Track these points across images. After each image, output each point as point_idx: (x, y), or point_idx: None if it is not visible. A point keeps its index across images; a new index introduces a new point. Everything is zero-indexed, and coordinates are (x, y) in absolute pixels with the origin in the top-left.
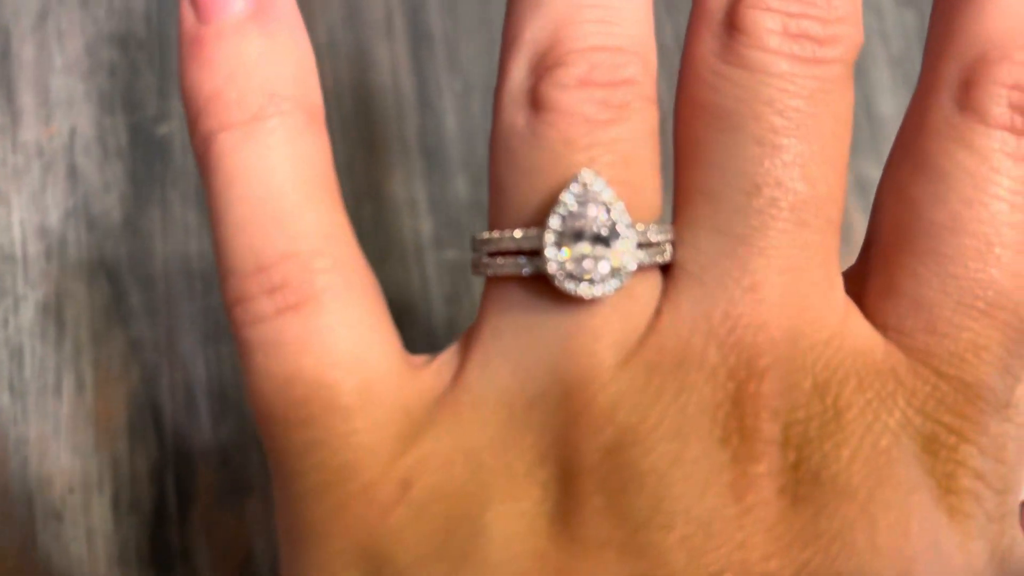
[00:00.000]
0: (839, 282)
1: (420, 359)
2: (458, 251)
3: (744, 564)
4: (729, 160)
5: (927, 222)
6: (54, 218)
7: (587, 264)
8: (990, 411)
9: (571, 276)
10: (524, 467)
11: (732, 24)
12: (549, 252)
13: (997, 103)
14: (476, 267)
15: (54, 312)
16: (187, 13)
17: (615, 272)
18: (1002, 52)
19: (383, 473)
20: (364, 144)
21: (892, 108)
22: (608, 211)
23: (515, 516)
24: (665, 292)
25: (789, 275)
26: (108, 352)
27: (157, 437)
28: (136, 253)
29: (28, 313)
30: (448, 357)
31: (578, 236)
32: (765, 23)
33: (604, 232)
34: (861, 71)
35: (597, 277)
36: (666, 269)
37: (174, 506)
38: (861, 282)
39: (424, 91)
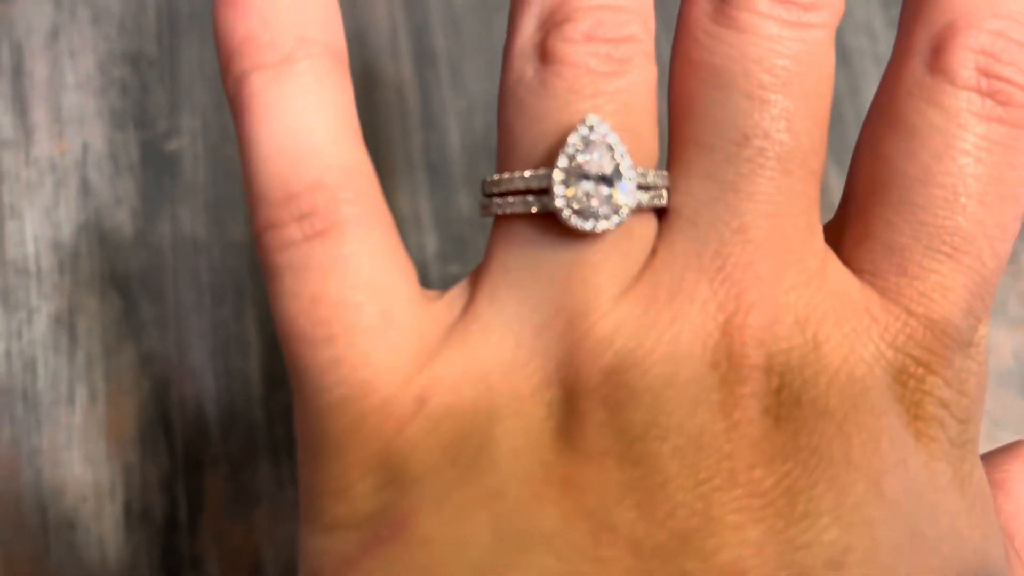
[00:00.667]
0: (819, 229)
1: (434, 293)
2: (461, 266)
3: (731, 473)
4: (720, 113)
5: (900, 175)
6: (67, 232)
7: (592, 202)
8: (954, 347)
9: (576, 212)
10: (529, 388)
11: None
12: (557, 190)
13: (965, 66)
14: (486, 208)
15: (67, 325)
16: None
17: (617, 209)
18: (970, 21)
19: (399, 390)
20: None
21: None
22: (612, 153)
23: (521, 431)
24: (661, 233)
25: (774, 219)
26: (120, 364)
27: (168, 448)
28: (147, 267)
29: (41, 325)
30: (459, 291)
31: (583, 176)
32: None
33: (608, 172)
34: (855, 90)
35: (600, 213)
36: (662, 213)
37: (184, 515)
38: (839, 233)
39: (428, 109)
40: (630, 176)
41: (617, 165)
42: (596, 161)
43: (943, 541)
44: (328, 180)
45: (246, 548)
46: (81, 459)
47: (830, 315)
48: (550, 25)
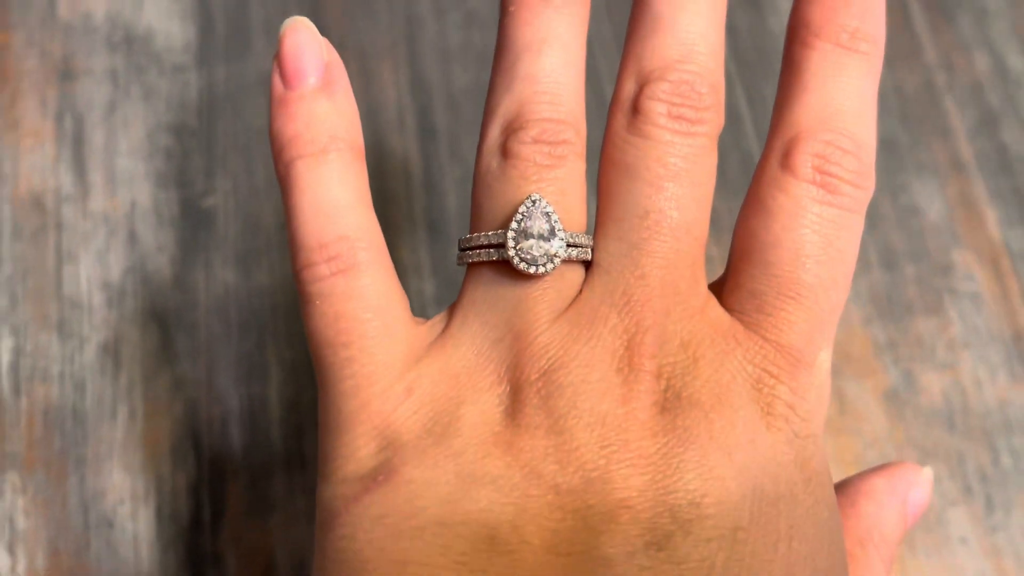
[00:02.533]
0: (702, 280)
1: (421, 319)
2: None
3: (625, 442)
4: (629, 196)
5: (759, 241)
6: (115, 274)
7: (534, 252)
8: (798, 366)
9: (523, 260)
10: (487, 384)
11: (635, 109)
12: (510, 244)
13: (804, 165)
14: (460, 259)
15: (112, 352)
16: (277, 82)
17: (552, 259)
18: (808, 133)
19: (394, 382)
20: (379, 219)
21: None
22: (549, 219)
23: (479, 412)
24: (586, 279)
25: (666, 271)
26: (157, 387)
27: (196, 460)
28: (182, 305)
29: (91, 353)
30: (439, 318)
31: (528, 235)
32: (656, 108)
33: (545, 232)
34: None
35: (540, 262)
36: (588, 266)
37: (208, 518)
38: (719, 289)
39: (429, 176)
40: (561, 236)
41: (552, 227)
42: (537, 224)
43: (780, 499)
44: (349, 234)
45: (262, 549)
46: (120, 468)
47: (706, 340)
48: (509, 131)
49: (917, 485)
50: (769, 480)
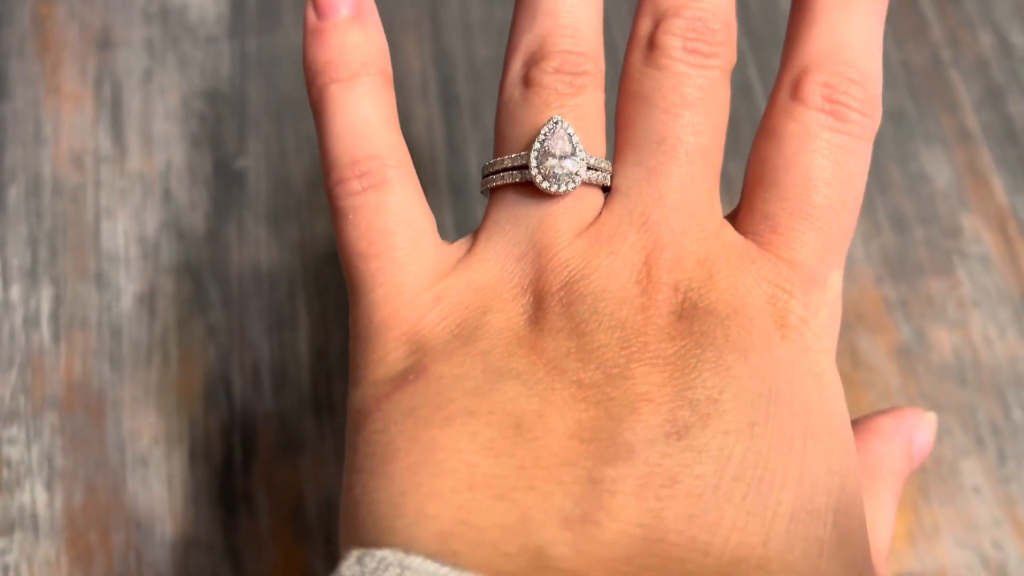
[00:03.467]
0: (718, 205)
1: (446, 242)
2: None
3: (645, 344)
4: (646, 123)
5: (771, 167)
6: (151, 229)
7: (556, 171)
8: (810, 282)
9: (545, 178)
10: (511, 294)
11: (651, 44)
12: (532, 163)
13: (814, 94)
14: (484, 185)
15: (148, 302)
16: (311, 13)
17: (572, 177)
18: (817, 64)
19: (423, 291)
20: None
21: None
22: (570, 140)
23: (504, 319)
24: (606, 203)
25: (683, 193)
26: (190, 335)
27: (227, 404)
28: (215, 258)
29: (128, 302)
30: (464, 240)
31: (550, 154)
32: (671, 42)
33: (567, 152)
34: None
35: (561, 180)
36: (607, 191)
37: (239, 459)
38: (734, 214)
39: (452, 142)
40: (582, 156)
41: (574, 147)
42: (559, 144)
43: (795, 401)
44: (379, 152)
45: (291, 488)
46: (155, 410)
47: (721, 259)
48: (532, 62)
49: (921, 428)
50: (784, 384)
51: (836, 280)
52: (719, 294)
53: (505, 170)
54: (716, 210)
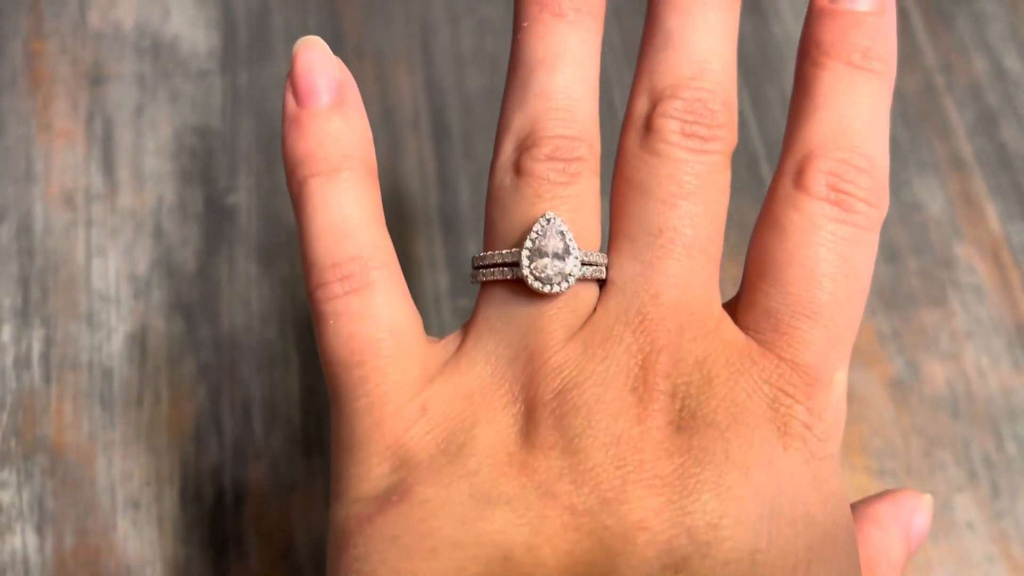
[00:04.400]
0: (717, 299)
1: (434, 339)
2: (469, 300)
3: (641, 462)
4: (642, 213)
5: (773, 259)
6: (142, 267)
7: (549, 271)
8: (815, 385)
9: (538, 279)
10: (501, 403)
11: (647, 127)
12: (524, 263)
13: (818, 183)
14: (474, 277)
15: (139, 341)
16: (289, 100)
17: (566, 278)
18: (820, 150)
19: (408, 401)
20: (396, 215)
21: None
22: (563, 238)
23: (494, 432)
24: (600, 298)
25: (680, 289)
26: (181, 374)
27: (218, 443)
28: (206, 296)
29: (118, 342)
30: (453, 337)
31: (543, 254)
32: (669, 126)
33: (560, 251)
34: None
35: (554, 281)
36: (602, 285)
37: (230, 500)
38: (733, 307)
39: (444, 175)
40: (576, 254)
41: (567, 246)
42: (552, 243)
43: (797, 520)
44: (362, 253)
45: (282, 528)
46: (146, 450)
47: (721, 359)
48: (523, 148)
49: (919, 511)
50: (787, 500)
51: (841, 379)
52: (719, 401)
53: (496, 266)
54: (715, 304)
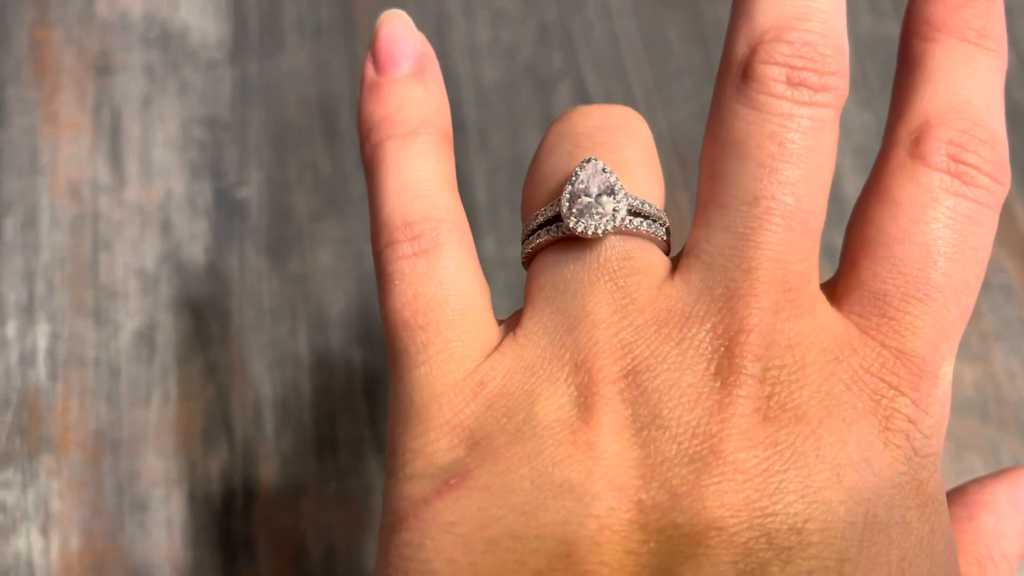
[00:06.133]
0: (815, 277)
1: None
2: None
3: (721, 454)
4: (737, 177)
5: (884, 235)
6: (150, 262)
7: (592, 211)
8: (922, 375)
9: (580, 220)
10: (563, 374)
11: (746, 74)
12: (564, 204)
13: (938, 153)
14: (523, 254)
15: (147, 338)
16: (369, 68)
17: (613, 215)
18: (940, 120)
19: (468, 374)
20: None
21: (854, 189)
22: (606, 177)
23: (555, 407)
24: (679, 270)
25: (776, 264)
26: (190, 372)
27: (228, 444)
28: (216, 292)
29: (126, 339)
30: (512, 316)
31: (585, 193)
32: (772, 73)
33: (603, 189)
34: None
35: (600, 223)
36: (669, 252)
37: (240, 502)
38: (833, 286)
39: (460, 169)
40: (622, 193)
41: (612, 185)
42: (593, 182)
43: (893, 526)
44: (434, 214)
45: (293, 532)
46: (154, 452)
47: (817, 344)
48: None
49: None
50: (883, 505)
51: (948, 372)
52: (812, 390)
53: (539, 227)
54: (813, 282)
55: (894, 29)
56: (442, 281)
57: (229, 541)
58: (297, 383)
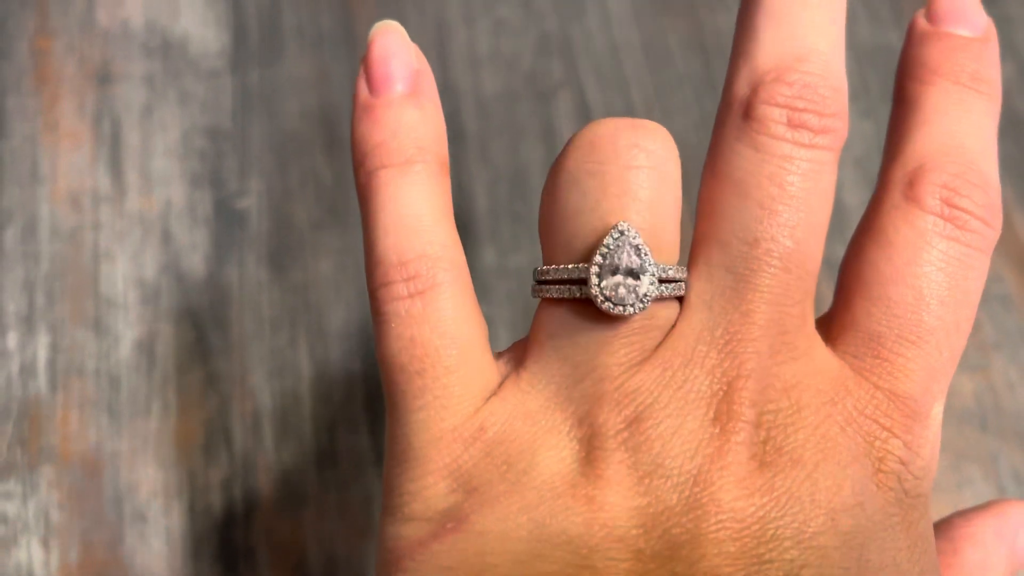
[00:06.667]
0: (811, 318)
1: (495, 355)
2: (487, 307)
3: (719, 502)
4: (737, 218)
5: (879, 274)
6: (150, 272)
7: (621, 291)
8: (913, 417)
9: (608, 300)
10: (566, 427)
11: (747, 114)
12: (593, 280)
13: (932, 196)
14: (538, 292)
15: (147, 349)
16: (362, 87)
17: (641, 299)
18: (934, 163)
19: (467, 419)
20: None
21: (855, 199)
22: (638, 253)
23: (557, 459)
24: (682, 314)
25: (774, 307)
26: (190, 383)
27: (228, 454)
28: (216, 302)
29: (126, 349)
30: (513, 353)
31: (615, 271)
32: (772, 115)
33: (635, 267)
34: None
35: (628, 302)
36: (682, 299)
37: (240, 513)
38: (827, 324)
39: (460, 179)
40: (652, 271)
41: (643, 263)
42: (625, 259)
43: (884, 569)
44: (430, 252)
45: (293, 543)
46: (154, 463)
47: (812, 386)
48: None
49: None
50: (875, 548)
51: (938, 413)
52: (807, 434)
53: (560, 282)
54: (808, 324)
55: (894, 38)
56: (438, 325)
57: (230, 552)
58: (297, 393)
